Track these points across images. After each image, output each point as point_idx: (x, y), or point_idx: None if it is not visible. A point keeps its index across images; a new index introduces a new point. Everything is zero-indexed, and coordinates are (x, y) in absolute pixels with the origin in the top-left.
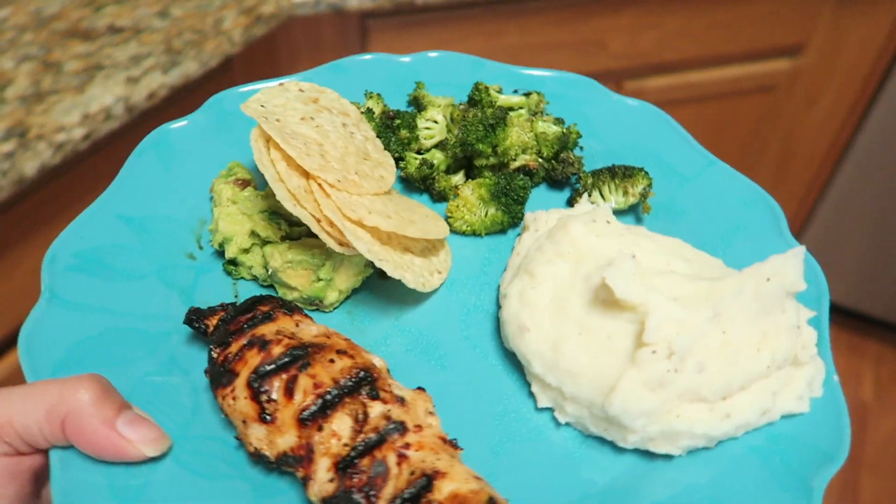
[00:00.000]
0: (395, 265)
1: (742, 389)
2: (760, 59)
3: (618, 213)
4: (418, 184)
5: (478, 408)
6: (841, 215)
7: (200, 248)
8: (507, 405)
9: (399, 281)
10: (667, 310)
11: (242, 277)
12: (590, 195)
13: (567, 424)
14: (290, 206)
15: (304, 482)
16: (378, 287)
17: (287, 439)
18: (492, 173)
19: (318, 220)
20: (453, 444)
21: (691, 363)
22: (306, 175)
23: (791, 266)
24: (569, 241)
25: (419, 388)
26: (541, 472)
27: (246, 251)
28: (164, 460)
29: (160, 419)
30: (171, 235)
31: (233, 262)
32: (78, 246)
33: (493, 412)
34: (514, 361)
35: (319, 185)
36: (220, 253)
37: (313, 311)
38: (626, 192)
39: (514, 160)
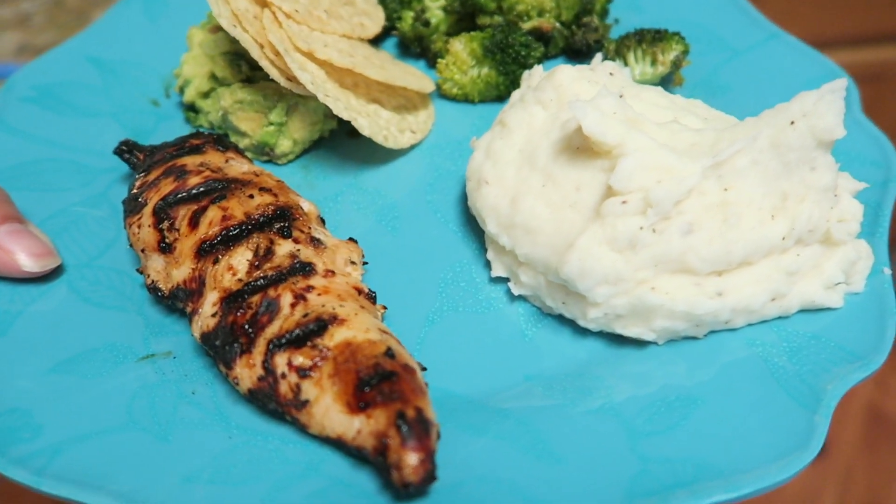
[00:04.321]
0: (348, 107)
1: (745, 264)
2: (870, 44)
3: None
4: (414, 46)
5: (422, 273)
6: None
7: (167, 96)
8: (458, 273)
9: (367, 140)
10: (647, 152)
11: (201, 125)
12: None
13: (522, 298)
14: (227, 25)
15: (190, 318)
16: (344, 145)
17: (182, 271)
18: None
19: (262, 47)
20: (370, 297)
21: (677, 223)
22: (263, 4)
23: (825, 106)
24: (553, 86)
25: (350, 239)
26: (479, 348)
27: (205, 95)
28: (58, 286)
29: (69, 246)
30: (137, 81)
31: (193, 107)
32: (40, 80)
33: (439, 279)
34: (477, 229)
35: (273, 13)
36: (184, 104)
37: (266, 161)
38: (654, 61)
39: (525, 20)
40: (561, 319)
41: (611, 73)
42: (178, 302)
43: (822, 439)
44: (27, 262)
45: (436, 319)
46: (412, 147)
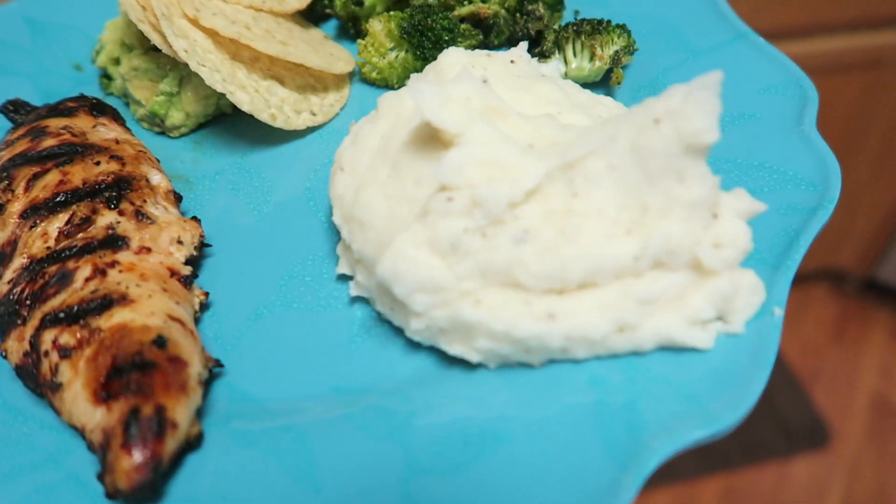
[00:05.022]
0: (226, 78)
1: (588, 285)
2: (868, 28)
3: (589, 85)
4: (348, 26)
5: (271, 263)
6: None
7: (93, 62)
8: (307, 268)
9: (267, 122)
10: (484, 144)
11: (112, 92)
12: (548, 57)
13: (362, 300)
14: None
15: None
16: (243, 124)
17: (4, 234)
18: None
19: (144, 9)
20: (184, 281)
21: (511, 230)
22: None
23: (695, 104)
24: (436, 70)
25: (193, 218)
26: (299, 351)
27: (116, 62)
28: None
29: None
30: (66, 44)
31: (106, 74)
32: None
33: (285, 271)
34: None
35: None
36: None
37: (159, 133)
38: (593, 55)
39: (465, 4)
40: (395, 329)
41: (511, 61)
42: None
43: (626, 501)
44: None
45: (264, 314)
46: (310, 130)
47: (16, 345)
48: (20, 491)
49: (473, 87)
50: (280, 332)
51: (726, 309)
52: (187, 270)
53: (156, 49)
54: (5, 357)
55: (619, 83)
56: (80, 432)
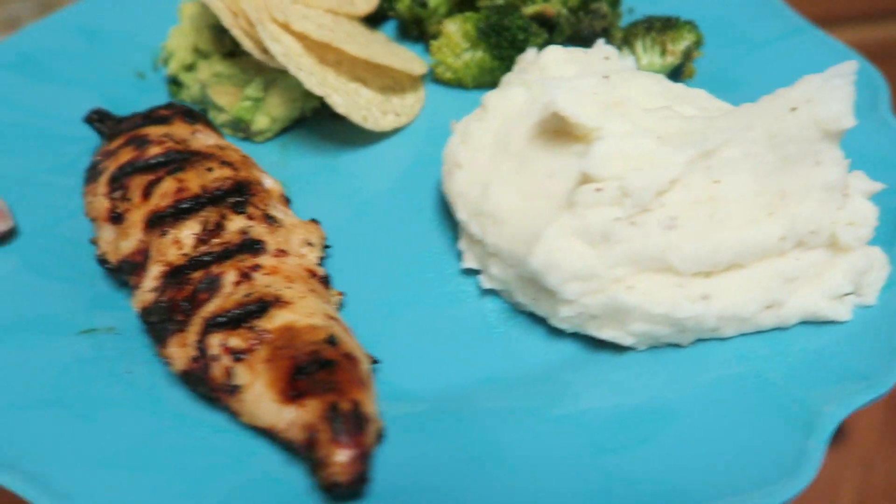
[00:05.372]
0: (322, 82)
1: (735, 266)
2: (882, 21)
3: None
4: (411, 28)
5: (390, 261)
6: None
7: (155, 70)
8: (427, 263)
9: (351, 123)
10: (626, 137)
11: (183, 99)
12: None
13: (493, 293)
14: None
15: (132, 292)
16: (326, 125)
17: (129, 243)
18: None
19: (236, 16)
20: (323, 281)
21: (658, 217)
22: None
23: (831, 91)
24: (538, 67)
25: (312, 220)
26: (442, 345)
27: (189, 69)
28: (7, 254)
29: (29, 213)
30: (125, 53)
31: (176, 81)
32: (25, 48)
33: (407, 268)
34: (452, 217)
35: None
36: (167, 77)
37: (243, 139)
38: (664, 51)
39: (529, 4)
40: (534, 318)
41: (606, 57)
42: (124, 275)
43: (815, 466)
44: None
45: (399, 311)
46: (396, 131)
47: (179, 351)
48: (216, 495)
49: (598, 82)
50: (418, 327)
51: (860, 283)
52: (322, 271)
53: (235, 54)
54: (169, 365)
55: (691, 76)
56: (266, 432)
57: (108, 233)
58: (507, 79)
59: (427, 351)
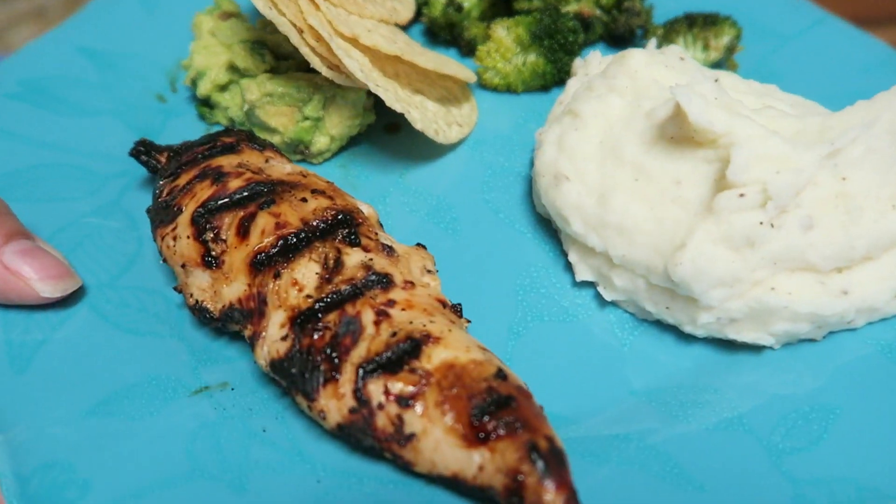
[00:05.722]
0: (399, 98)
1: (867, 259)
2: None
3: None
4: (444, 33)
5: (496, 280)
6: None
7: (174, 91)
8: (535, 279)
9: (407, 136)
10: (761, 141)
11: (218, 122)
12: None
13: (614, 304)
14: (262, 7)
15: (252, 343)
16: (382, 141)
17: (235, 288)
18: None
19: (301, 31)
20: (455, 310)
21: (795, 217)
22: None
23: None
24: (626, 72)
25: (418, 245)
26: (575, 362)
27: (222, 89)
28: (78, 310)
29: (86, 264)
30: (138, 74)
31: (207, 102)
32: (26, 74)
33: (516, 286)
34: (547, 230)
35: None
36: (197, 97)
37: (299, 161)
38: (706, 46)
39: (565, 5)
40: (659, 326)
41: (681, 58)
42: (231, 324)
43: None
44: (43, 286)
45: (521, 331)
46: (459, 142)
47: (334, 403)
48: None
49: (714, 86)
50: (545, 346)
51: None
52: (449, 300)
53: (276, 71)
54: (322, 419)
55: (734, 70)
56: (448, 479)
57: (201, 279)
58: (582, 84)
59: (562, 370)
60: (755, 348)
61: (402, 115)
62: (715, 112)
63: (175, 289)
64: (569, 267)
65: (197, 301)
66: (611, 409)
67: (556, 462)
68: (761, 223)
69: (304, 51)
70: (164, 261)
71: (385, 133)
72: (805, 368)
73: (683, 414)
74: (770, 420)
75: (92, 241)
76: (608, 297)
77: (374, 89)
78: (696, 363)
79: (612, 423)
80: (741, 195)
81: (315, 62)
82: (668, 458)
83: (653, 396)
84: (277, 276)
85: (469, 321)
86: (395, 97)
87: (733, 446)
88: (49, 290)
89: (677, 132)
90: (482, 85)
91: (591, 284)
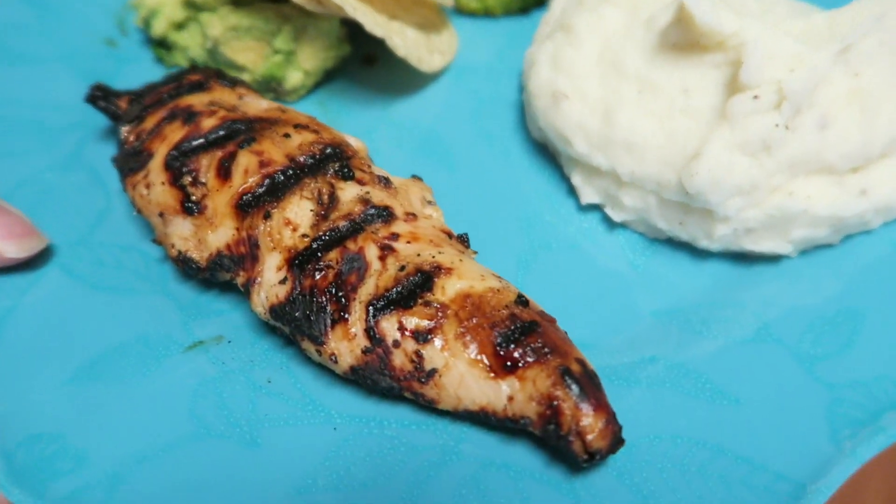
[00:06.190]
0: (378, 23)
1: (883, 156)
2: None
3: None
4: None
5: (498, 211)
6: None
7: (125, 33)
8: (538, 207)
9: (386, 68)
10: (774, 40)
11: (177, 64)
12: None
13: (623, 225)
14: None
15: (247, 290)
16: (360, 74)
17: (221, 234)
18: None
19: None
20: (462, 241)
21: (810, 117)
22: None
23: None
24: None
25: (414, 177)
26: (589, 287)
27: (179, 27)
28: (47, 272)
29: (51, 222)
30: (83, 18)
31: (163, 43)
32: None
33: (519, 216)
34: (545, 156)
35: None
36: (152, 39)
37: (272, 100)
38: None
39: None
40: (672, 244)
41: None
42: (221, 273)
43: None
44: (7, 245)
45: (529, 260)
46: (441, 71)
47: (345, 344)
48: (442, 494)
49: None
50: (556, 273)
51: None
52: (453, 230)
53: (242, 2)
54: (333, 362)
55: None
56: (476, 414)
57: (182, 227)
58: (558, 1)
59: (579, 297)
60: (772, 258)
61: (378, 46)
62: (722, 13)
63: (154, 241)
64: (572, 191)
65: (180, 252)
66: (632, 332)
67: (591, 385)
68: (777, 125)
69: None
70: (139, 212)
71: (362, 66)
72: (825, 274)
73: (707, 330)
74: (797, 328)
75: (53, 199)
76: (617, 217)
77: (350, 13)
78: (713, 279)
79: (637, 345)
80: (755, 97)
81: None
82: (699, 374)
83: (673, 316)
84: (268, 216)
85: (476, 252)
86: (375, 22)
87: (763, 357)
88: (14, 249)
89: (681, 38)
90: (459, 10)
91: (597, 208)
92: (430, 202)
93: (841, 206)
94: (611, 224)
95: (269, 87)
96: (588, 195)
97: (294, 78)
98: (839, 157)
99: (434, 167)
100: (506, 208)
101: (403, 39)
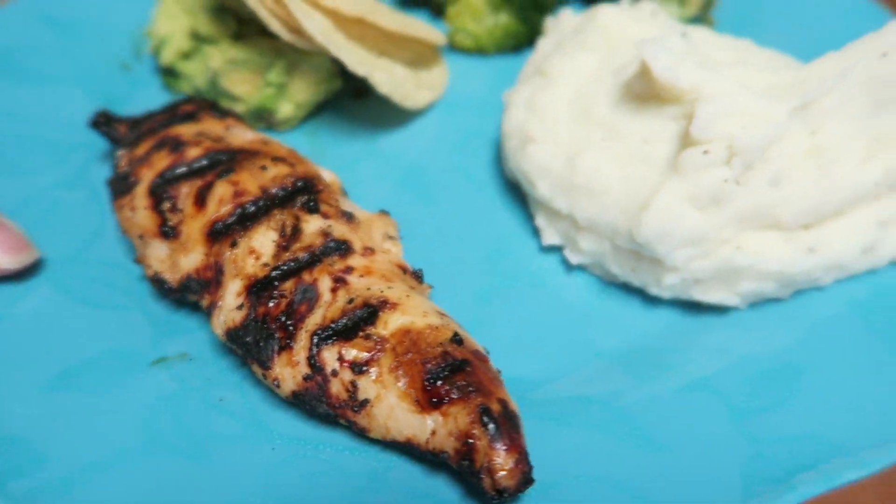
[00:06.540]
0: (362, 61)
1: (836, 215)
2: None
3: None
4: None
5: (465, 246)
6: None
7: (140, 59)
8: (504, 244)
9: (376, 101)
10: (728, 96)
11: (183, 91)
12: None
13: (581, 268)
14: None
15: (209, 312)
16: (350, 107)
17: (192, 259)
18: None
19: None
20: (416, 276)
21: (763, 173)
22: None
23: None
24: (597, 29)
25: (381, 212)
26: (541, 326)
27: (186, 56)
28: (38, 284)
29: (48, 237)
30: (102, 41)
31: (172, 71)
32: None
33: (485, 251)
34: (516, 195)
35: None
36: (161, 67)
37: (265, 129)
38: (682, 1)
39: None
40: (626, 288)
41: (653, 13)
42: (189, 294)
43: None
44: (3, 258)
45: (488, 297)
46: (429, 106)
47: (288, 371)
48: None
49: (682, 41)
50: (512, 311)
51: None
52: (410, 266)
53: (241, 36)
54: (276, 387)
55: (711, 26)
56: (402, 444)
57: (159, 250)
58: (553, 43)
59: (529, 334)
60: (722, 309)
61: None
62: (681, 67)
63: (135, 261)
64: (537, 231)
65: (155, 272)
66: (577, 372)
67: (508, 425)
68: (726, 180)
69: (263, 13)
70: (124, 232)
71: (353, 99)
72: (772, 328)
73: (648, 376)
74: (735, 380)
75: (55, 215)
76: (574, 260)
77: (334, 52)
78: (663, 325)
79: (577, 385)
80: (705, 152)
81: (274, 25)
82: (631, 419)
83: (619, 359)
84: (234, 244)
85: (431, 287)
86: (358, 60)
87: (697, 408)
88: (8, 262)
89: (645, 89)
90: (453, 47)
91: (558, 249)
92: (391, 237)
93: (788, 263)
94: (570, 266)
95: (262, 117)
96: (549, 236)
97: (285, 109)
98: (791, 213)
99: (411, 200)
100: (473, 243)
101: (391, 75)
